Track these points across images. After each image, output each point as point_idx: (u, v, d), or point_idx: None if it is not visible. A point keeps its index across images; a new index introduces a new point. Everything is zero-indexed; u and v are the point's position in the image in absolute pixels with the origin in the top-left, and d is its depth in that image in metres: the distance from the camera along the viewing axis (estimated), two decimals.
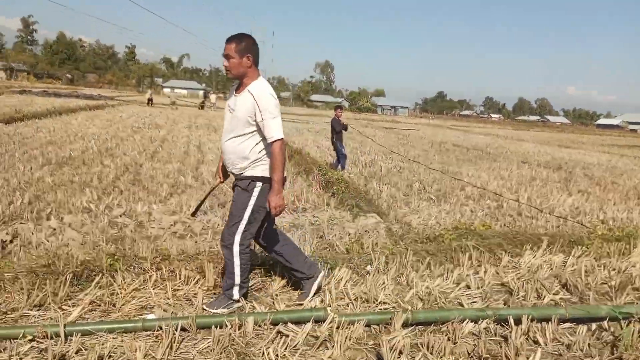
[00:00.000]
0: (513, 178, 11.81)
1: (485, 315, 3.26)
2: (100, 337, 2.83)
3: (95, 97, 41.15)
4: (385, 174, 10.96)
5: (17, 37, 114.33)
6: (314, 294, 3.58)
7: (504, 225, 6.89)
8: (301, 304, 3.46)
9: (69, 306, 3.15)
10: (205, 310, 3.29)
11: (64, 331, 2.75)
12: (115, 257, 3.60)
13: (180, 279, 3.57)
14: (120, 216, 5.95)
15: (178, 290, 3.45)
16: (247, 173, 3.29)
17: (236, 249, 3.29)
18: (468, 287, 3.99)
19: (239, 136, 3.27)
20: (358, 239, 5.20)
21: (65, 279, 3.25)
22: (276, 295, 3.59)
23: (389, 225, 6.07)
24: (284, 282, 3.76)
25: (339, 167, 11.05)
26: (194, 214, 4.18)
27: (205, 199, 4.11)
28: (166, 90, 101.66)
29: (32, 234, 4.94)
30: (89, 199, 6.58)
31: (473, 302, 3.70)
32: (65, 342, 2.75)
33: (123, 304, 3.19)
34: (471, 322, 3.21)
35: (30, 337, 2.71)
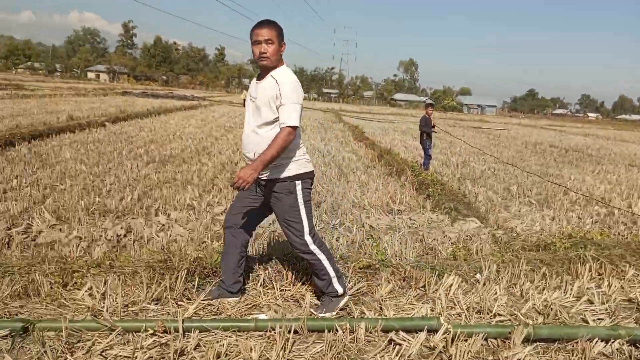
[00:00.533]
0: (622, 182, 10.93)
1: (618, 335, 2.97)
2: (215, 334, 2.89)
3: (189, 97, 43.20)
4: (479, 176, 10.54)
5: (119, 41, 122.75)
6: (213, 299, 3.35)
7: (617, 234, 6.35)
8: (410, 315, 3.33)
9: (184, 302, 3.25)
10: (314, 314, 3.22)
11: (182, 327, 2.83)
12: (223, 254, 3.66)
13: (287, 279, 3.58)
14: (221, 214, 6.12)
15: (285, 290, 3.46)
16: (284, 174, 3.11)
17: (313, 247, 3.21)
18: (590, 302, 3.67)
19: (264, 125, 3.07)
20: (464, 244, 4.98)
21: (180, 274, 3.36)
22: (383, 300, 3.49)
23: (492, 231, 5.77)
24: (390, 286, 3.66)
25: (424, 167, 10.87)
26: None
27: None
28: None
29: (144, 229, 5.19)
30: (192, 196, 6.84)
31: (599, 319, 3.40)
32: (184, 338, 2.82)
33: (232, 305, 3.23)
34: (601, 341, 2.94)
35: (151, 331, 2.81)
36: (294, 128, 2.97)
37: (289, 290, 3.48)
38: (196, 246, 4.53)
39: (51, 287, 3.20)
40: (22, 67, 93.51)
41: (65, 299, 3.14)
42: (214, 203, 6.64)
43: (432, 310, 3.34)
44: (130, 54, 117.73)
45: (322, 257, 3.22)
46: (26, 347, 2.64)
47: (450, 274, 3.79)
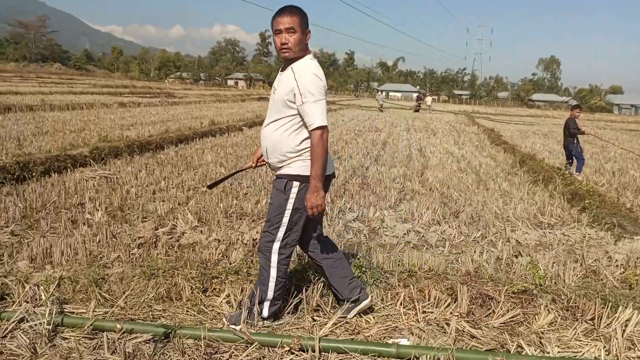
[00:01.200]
0: None
1: None
2: (353, 358, 2.66)
3: None
4: None
5: (256, 50, 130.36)
6: (354, 316, 3.04)
7: None
8: (574, 352, 2.82)
9: (320, 316, 3.08)
10: (227, 324, 2.89)
11: (319, 346, 2.65)
12: (363, 268, 3.45)
13: (429, 300, 3.25)
14: (354, 220, 5.95)
15: (428, 313, 3.13)
16: (284, 171, 2.84)
17: (274, 258, 2.88)
18: None
19: (276, 120, 2.84)
20: (637, 269, 4.24)
21: (316, 287, 3.19)
22: (543, 332, 3.02)
23: None
24: (550, 317, 3.16)
25: (574, 171, 9.90)
26: (211, 187, 3.79)
27: (229, 176, 3.88)
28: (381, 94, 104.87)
29: None
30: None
31: None
32: (319, 358, 2.64)
33: (370, 325, 2.99)
34: None
35: (287, 348, 2.66)
36: (323, 127, 2.71)
37: (432, 312, 3.14)
38: None
39: (192, 292, 3.22)
40: (172, 77, 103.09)
41: (204, 305, 3.13)
42: (346, 209, 6.49)
43: (607, 352, 2.80)
44: (265, 62, 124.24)
45: (273, 273, 2.88)
46: (167, 354, 2.64)
47: (626, 307, 3.19)
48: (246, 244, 4.89)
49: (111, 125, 13.57)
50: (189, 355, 2.59)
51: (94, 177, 7.21)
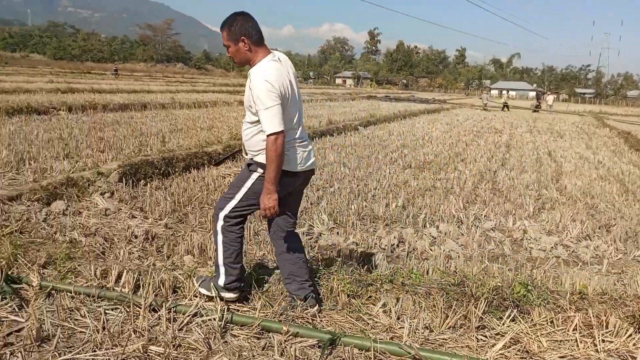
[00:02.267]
0: None
1: None
2: None
3: (430, 101, 43.21)
4: None
5: (364, 48, 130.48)
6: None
7: None
8: None
9: (484, 337, 2.91)
10: (197, 286, 3.17)
11: None
12: (528, 287, 3.22)
13: (607, 328, 2.94)
14: (492, 230, 5.65)
15: (607, 342, 2.83)
16: (255, 159, 2.98)
17: (220, 223, 3.04)
18: None
19: (246, 122, 3.00)
20: None
21: (479, 304, 3.02)
22: None
23: None
24: None
25: None
26: (217, 164, 3.71)
27: (233, 153, 4.07)
28: (494, 92, 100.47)
29: (415, 240, 5.04)
30: (456, 207, 6.50)
31: None
32: None
33: (542, 350, 2.76)
34: None
35: None
36: (277, 134, 2.73)
37: (612, 342, 2.83)
38: (472, 265, 4.15)
39: (348, 298, 3.19)
40: None
41: (361, 312, 3.09)
42: (481, 217, 6.19)
43: None
44: (373, 60, 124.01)
45: (219, 238, 3.07)
46: None
47: None
48: (384, 249, 4.82)
49: (236, 123, 14.21)
50: None
51: (229, 174, 7.54)
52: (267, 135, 2.74)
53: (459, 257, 4.62)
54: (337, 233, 5.21)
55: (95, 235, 4.54)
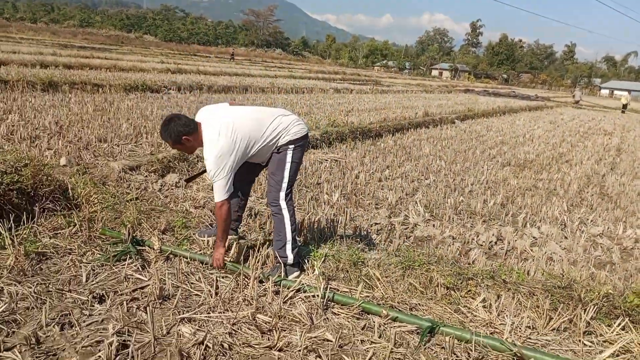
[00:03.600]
0: None
1: None
2: None
3: (532, 97, 41.08)
4: None
5: (464, 40, 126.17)
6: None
7: None
8: None
9: (591, 342, 2.80)
10: (264, 277, 3.19)
11: None
12: None
13: None
14: (600, 236, 5.35)
15: None
16: (280, 144, 3.29)
17: (283, 205, 3.31)
18: None
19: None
20: None
21: (587, 309, 2.92)
22: None
23: None
24: None
25: None
26: (188, 181, 3.81)
27: (202, 172, 3.90)
28: (604, 91, 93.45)
29: (515, 240, 4.91)
30: (560, 209, 6.22)
31: None
32: None
33: None
34: None
35: None
36: (222, 202, 3.11)
37: None
38: (597, 278, 3.97)
39: (447, 290, 3.20)
40: (378, 65, 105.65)
41: (460, 304, 3.09)
42: (587, 221, 5.88)
43: None
44: (473, 52, 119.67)
45: (286, 219, 3.30)
46: (432, 349, 2.66)
47: None
48: (482, 245, 4.74)
49: (331, 110, 14.40)
50: (457, 356, 2.57)
51: (326, 160, 7.70)
52: (216, 203, 3.18)
53: (562, 260, 4.44)
54: (434, 225, 5.18)
55: (203, 207, 4.86)
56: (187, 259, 3.42)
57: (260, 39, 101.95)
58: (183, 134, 3.11)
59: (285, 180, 3.31)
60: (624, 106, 34.29)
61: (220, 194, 3.09)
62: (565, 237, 5.20)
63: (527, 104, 29.88)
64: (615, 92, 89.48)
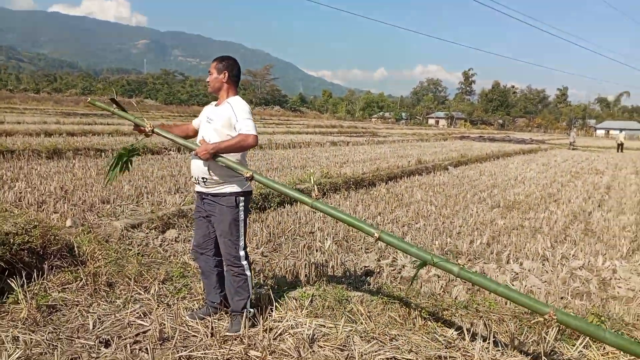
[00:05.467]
0: None
1: None
2: None
3: (527, 141, 41.85)
4: None
5: (458, 88, 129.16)
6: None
7: None
8: None
9: None
10: (229, 336, 3.26)
11: None
12: (601, 317, 3.32)
13: None
14: (580, 269, 5.61)
15: None
16: (227, 189, 3.35)
17: (245, 263, 3.40)
18: None
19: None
20: None
21: (550, 332, 3.18)
22: None
23: None
24: None
25: None
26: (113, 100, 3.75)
27: (119, 109, 3.81)
28: (599, 132, 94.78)
29: (497, 275, 5.17)
30: (543, 245, 6.50)
31: None
32: None
33: None
34: None
35: None
36: (255, 135, 3.24)
37: None
38: (569, 306, 4.23)
39: (423, 320, 3.47)
40: (375, 117, 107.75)
41: (437, 333, 3.35)
42: (569, 255, 6.15)
43: None
44: (467, 100, 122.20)
45: (248, 274, 3.42)
46: None
47: None
48: (464, 282, 5.00)
49: (327, 162, 14.88)
50: None
51: (314, 211, 8.04)
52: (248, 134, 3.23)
53: (540, 292, 4.70)
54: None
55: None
56: (173, 141, 3.59)
57: (258, 98, 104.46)
58: (229, 72, 3.45)
59: (242, 237, 3.42)
60: (620, 145, 34.84)
61: (254, 129, 3.25)
62: (547, 272, 5.46)
63: (521, 147, 30.48)
64: (611, 131, 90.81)
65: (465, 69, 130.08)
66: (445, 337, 3.32)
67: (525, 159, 22.26)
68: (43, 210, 6.66)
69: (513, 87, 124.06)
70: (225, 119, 3.34)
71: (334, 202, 8.87)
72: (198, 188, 3.48)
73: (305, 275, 4.68)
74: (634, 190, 12.76)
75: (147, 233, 6.00)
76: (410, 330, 3.41)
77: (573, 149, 33.89)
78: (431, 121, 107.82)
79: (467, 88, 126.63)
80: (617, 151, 33.59)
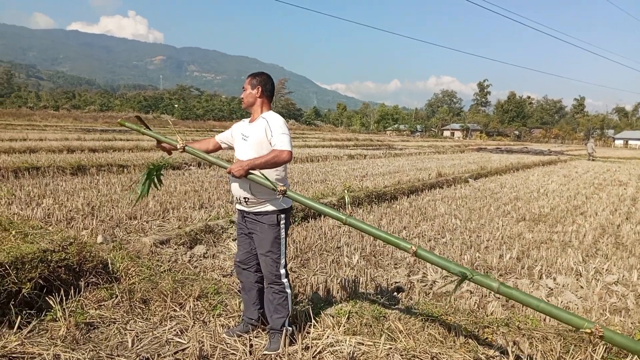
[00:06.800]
0: None
1: None
2: None
3: (545, 152, 41.43)
4: None
5: (473, 100, 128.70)
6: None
7: None
8: None
9: None
10: (268, 354, 3.25)
11: None
12: None
13: None
14: (615, 284, 5.50)
15: None
16: (269, 208, 3.35)
17: (285, 280, 3.42)
18: None
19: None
20: None
21: (597, 349, 3.11)
22: None
23: None
24: None
25: None
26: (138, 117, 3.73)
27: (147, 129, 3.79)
28: (618, 142, 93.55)
29: (531, 291, 5.09)
30: (575, 260, 6.38)
31: None
32: None
33: None
34: None
35: None
36: (289, 151, 3.22)
37: None
38: (610, 323, 4.14)
39: (464, 338, 3.42)
40: (390, 129, 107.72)
41: (479, 352, 3.29)
42: (602, 270, 6.03)
43: None
44: (483, 111, 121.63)
45: (289, 292, 3.44)
46: None
47: None
48: (499, 297, 4.92)
49: (346, 176, 14.87)
50: None
51: (339, 225, 8.00)
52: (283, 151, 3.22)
53: (578, 308, 4.61)
54: (451, 281, 5.39)
55: (231, 275, 5.16)
56: (204, 159, 3.59)
57: (273, 112, 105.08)
58: (263, 87, 3.49)
59: (283, 255, 3.44)
60: (590, 154, 34.53)
61: (289, 144, 3.25)
62: (581, 287, 5.36)
63: (540, 159, 30.19)
64: (630, 142, 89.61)
65: (480, 80, 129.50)
66: (487, 355, 3.26)
67: (545, 171, 22.02)
68: (72, 226, 6.73)
69: (529, 97, 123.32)
70: (261, 134, 3.34)
71: (357, 217, 8.83)
72: (239, 207, 3.49)
73: (337, 291, 4.65)
74: None
75: (176, 249, 6.02)
76: (451, 348, 3.35)
77: (592, 160, 33.52)
78: (446, 133, 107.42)
79: (482, 99, 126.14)
80: (590, 159, 33.24)
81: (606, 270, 6.04)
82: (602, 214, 10.19)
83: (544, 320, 3.88)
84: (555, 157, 33.26)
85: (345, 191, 3.16)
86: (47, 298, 3.74)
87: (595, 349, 3.11)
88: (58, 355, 3.11)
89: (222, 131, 3.84)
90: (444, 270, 5.71)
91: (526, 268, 6.00)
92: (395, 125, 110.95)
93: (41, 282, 3.84)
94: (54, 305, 3.65)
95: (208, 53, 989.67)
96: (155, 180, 3.61)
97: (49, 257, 3.98)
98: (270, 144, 3.29)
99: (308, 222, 8.11)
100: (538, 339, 3.35)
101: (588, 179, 18.58)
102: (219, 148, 3.72)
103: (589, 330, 2.48)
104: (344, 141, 44.68)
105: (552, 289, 5.21)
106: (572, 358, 3.10)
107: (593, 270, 5.98)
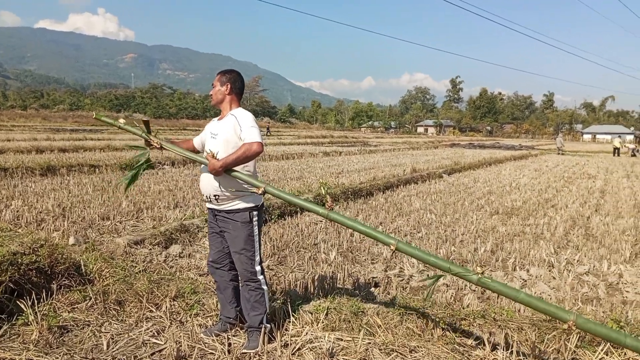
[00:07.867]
0: None
1: None
2: None
3: (517, 147, 42.19)
4: None
5: (446, 96, 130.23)
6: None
7: None
8: None
9: None
10: (247, 352, 3.20)
11: None
12: (620, 323, 3.32)
13: None
14: (586, 274, 5.63)
15: None
16: (240, 205, 3.31)
17: (261, 277, 3.39)
18: None
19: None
20: None
21: (571, 339, 3.17)
22: None
23: None
24: None
25: None
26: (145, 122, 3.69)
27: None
28: (586, 136, 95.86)
29: (506, 283, 5.17)
30: (547, 252, 6.52)
31: None
32: None
33: None
34: None
35: None
36: (259, 142, 3.18)
37: None
38: (582, 312, 4.24)
39: (442, 331, 3.45)
40: (364, 126, 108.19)
41: (456, 344, 3.33)
42: (574, 261, 6.17)
43: None
44: (456, 108, 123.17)
45: (265, 288, 3.41)
46: None
47: None
48: (474, 290, 4.99)
49: (322, 173, 14.88)
50: None
51: (321, 220, 8.02)
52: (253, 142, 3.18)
53: (550, 298, 4.70)
54: (427, 275, 5.44)
55: (207, 274, 5.11)
56: (182, 156, 3.59)
57: (247, 109, 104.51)
58: (232, 84, 3.44)
59: (257, 252, 3.38)
60: (617, 150, 35.34)
61: (258, 136, 3.21)
62: (554, 278, 5.47)
63: (511, 153, 30.73)
64: (598, 136, 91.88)
65: (453, 77, 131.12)
66: (465, 347, 3.30)
67: (517, 165, 22.42)
68: (43, 228, 6.58)
69: (500, 93, 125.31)
70: (230, 130, 3.31)
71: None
72: (209, 205, 3.45)
73: (315, 288, 4.65)
74: (628, 193, 12.87)
75: (151, 249, 5.94)
76: (429, 341, 3.38)
77: (562, 154, 34.26)
78: (420, 129, 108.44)
79: (455, 96, 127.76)
80: (614, 155, 34.06)
81: (577, 261, 6.18)
82: (572, 206, 10.42)
83: (519, 310, 3.95)
84: (526, 152, 33.91)
85: (322, 187, 3.06)
86: (18, 302, 3.63)
87: (570, 338, 3.18)
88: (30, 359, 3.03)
89: (197, 130, 3.83)
90: (420, 265, 5.78)
91: (500, 260, 6.10)
92: (370, 122, 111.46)
93: (12, 285, 3.73)
94: (25, 309, 3.55)
95: (180, 51, 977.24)
96: (142, 169, 3.66)
97: (19, 260, 3.88)
98: (240, 138, 3.26)
99: (285, 219, 8.09)
100: (513, 329, 3.41)
101: (558, 172, 18.99)
102: (198, 152, 3.68)
103: (566, 326, 2.53)
104: (319, 138, 44.73)
105: (525, 281, 5.31)
106: (547, 347, 3.16)
107: (565, 261, 6.11)
